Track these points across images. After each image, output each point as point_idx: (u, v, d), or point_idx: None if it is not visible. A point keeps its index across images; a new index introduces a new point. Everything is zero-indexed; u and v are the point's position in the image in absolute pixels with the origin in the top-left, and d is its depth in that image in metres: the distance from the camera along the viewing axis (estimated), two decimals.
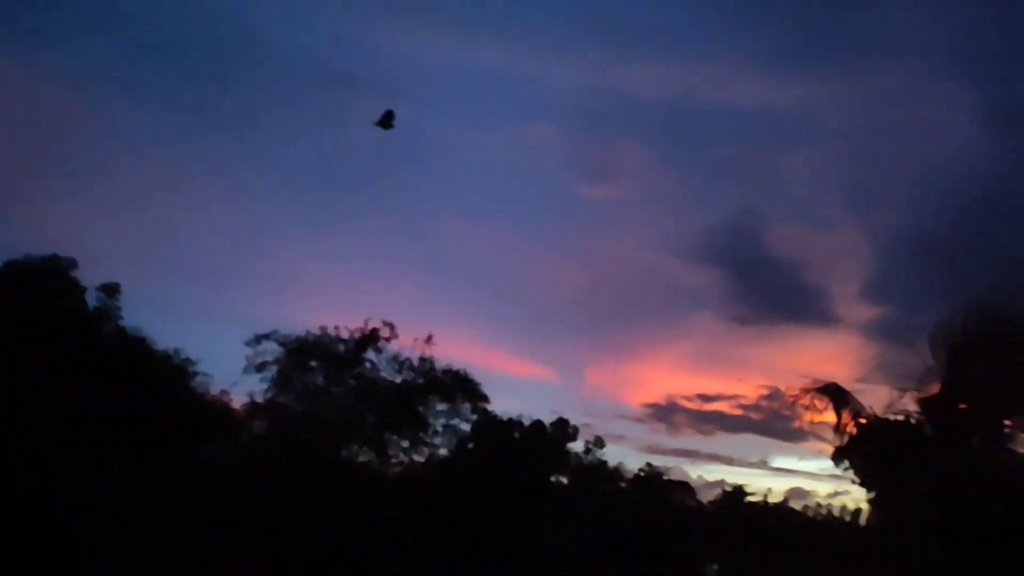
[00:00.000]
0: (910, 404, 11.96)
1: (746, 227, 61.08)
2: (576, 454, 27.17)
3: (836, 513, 26.83)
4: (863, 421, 12.20)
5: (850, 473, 13.40)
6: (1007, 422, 11.57)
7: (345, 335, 22.62)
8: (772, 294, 61.65)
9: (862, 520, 20.54)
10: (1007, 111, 50.55)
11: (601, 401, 65.98)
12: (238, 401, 21.35)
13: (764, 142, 70.42)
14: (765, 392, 48.52)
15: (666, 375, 64.86)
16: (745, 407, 49.95)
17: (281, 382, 21.75)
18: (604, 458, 27.57)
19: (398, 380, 23.37)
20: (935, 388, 11.61)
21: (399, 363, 23.38)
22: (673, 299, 73.38)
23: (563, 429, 26.69)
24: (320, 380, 22.42)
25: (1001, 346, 11.33)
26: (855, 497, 12.43)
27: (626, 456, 47.90)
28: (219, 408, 20.57)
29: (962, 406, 11.86)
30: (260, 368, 21.48)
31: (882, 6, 56.20)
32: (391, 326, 23.16)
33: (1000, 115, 51.21)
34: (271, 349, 21.77)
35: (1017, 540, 10.12)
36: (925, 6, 55.96)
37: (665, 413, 54.85)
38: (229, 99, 55.67)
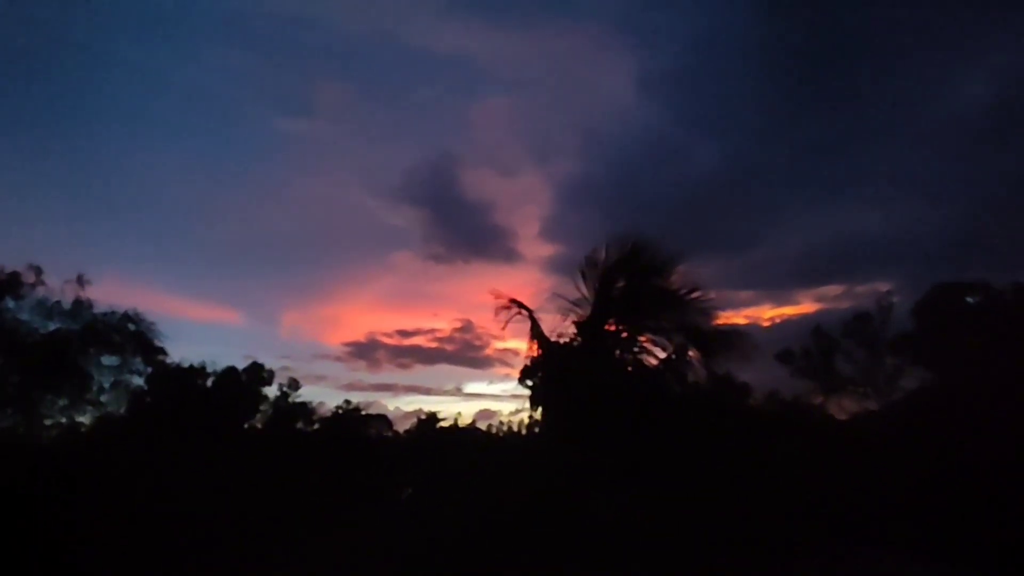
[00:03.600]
0: (571, 328, 14.36)
1: (443, 169, 65.69)
2: (271, 399, 27.17)
3: (515, 428, 30.93)
4: (547, 340, 14.22)
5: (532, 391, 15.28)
6: (641, 338, 14.28)
7: None
8: (465, 234, 67.89)
9: (535, 431, 24.27)
10: (657, 79, 62.32)
11: (299, 343, 66.24)
12: None
13: (459, 88, 75.31)
14: (459, 325, 53.83)
15: (365, 314, 67.58)
16: (440, 340, 54.76)
17: None
18: (301, 399, 28.00)
19: (49, 329, 20.65)
20: (588, 312, 14.17)
21: (47, 309, 20.60)
22: (372, 238, 75.73)
23: (257, 374, 26.37)
24: None
25: (636, 273, 13.81)
26: (532, 413, 14.86)
27: (327, 396, 48.96)
28: None
29: (610, 327, 14.34)
30: None
31: None
32: (38, 270, 20.22)
33: (651, 81, 62.93)
34: None
35: (640, 427, 13.56)
36: None
37: (365, 350, 57.22)
38: None
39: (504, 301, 14.22)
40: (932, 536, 16.15)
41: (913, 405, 23.30)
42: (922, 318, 24.66)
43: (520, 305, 14.23)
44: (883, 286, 33.19)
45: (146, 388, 22.87)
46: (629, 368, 14.39)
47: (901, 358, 25.68)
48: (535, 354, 14.50)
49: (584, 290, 14.10)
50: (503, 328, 14.32)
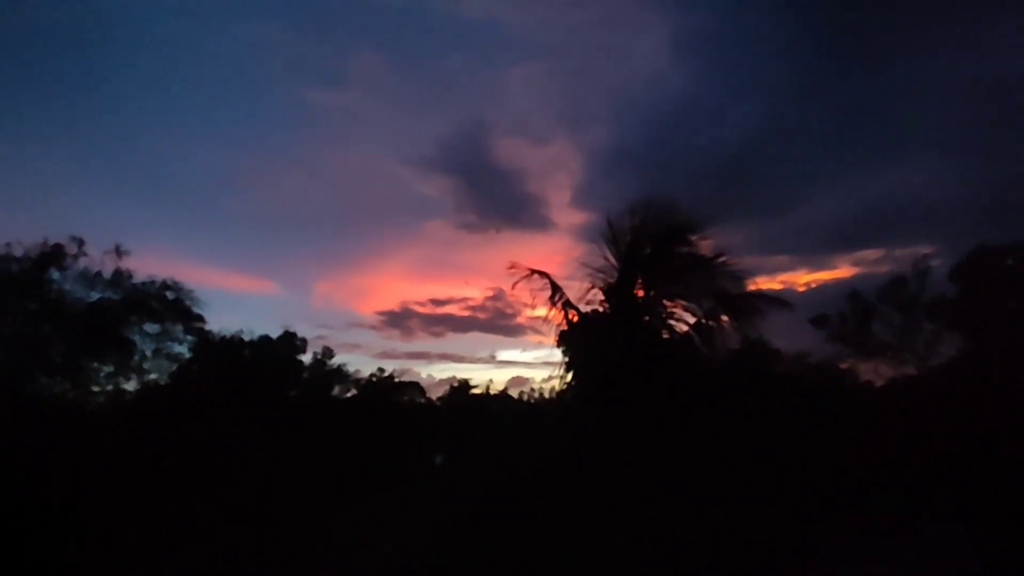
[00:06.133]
0: (599, 295, 14.34)
1: (474, 138, 65.98)
2: (306, 366, 27.93)
3: (546, 395, 31.28)
4: (572, 315, 14.15)
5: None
6: (669, 303, 14.09)
7: (20, 253, 19.89)
8: (497, 202, 68.31)
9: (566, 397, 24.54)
10: (690, 41, 61.26)
11: (333, 312, 67.81)
12: None
13: (489, 55, 75.01)
14: (491, 293, 54.39)
15: (398, 283, 68.80)
16: (473, 308, 55.42)
17: None
18: (335, 367, 28.74)
19: (92, 299, 21.54)
20: (615, 279, 14.00)
21: (89, 280, 21.46)
22: (405, 208, 76.61)
23: (290, 342, 27.13)
24: None
25: (662, 238, 13.73)
26: (564, 380, 15.00)
27: (362, 364, 50.22)
28: None
29: (638, 292, 14.19)
30: None
31: None
32: (80, 242, 21.01)
33: (684, 45, 61.90)
34: None
35: (672, 395, 13.73)
36: None
37: (398, 319, 58.45)
38: None
39: (523, 272, 14.40)
40: (971, 504, 16.25)
41: (951, 372, 23.12)
42: (960, 282, 24.27)
43: (542, 274, 14.39)
44: (924, 250, 32.61)
45: (191, 357, 23.76)
46: (658, 334, 14.44)
47: (939, 323, 25.39)
48: (560, 322, 14.55)
49: (609, 256, 14.16)
50: (532, 300, 14.51)
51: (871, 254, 48.53)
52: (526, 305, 14.72)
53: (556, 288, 14.24)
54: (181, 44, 64.12)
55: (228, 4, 64.57)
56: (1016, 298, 21.21)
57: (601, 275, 14.28)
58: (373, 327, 59.02)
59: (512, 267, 14.42)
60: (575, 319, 14.40)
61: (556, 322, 14.47)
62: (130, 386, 22.44)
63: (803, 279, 43.78)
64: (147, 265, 23.99)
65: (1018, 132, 50.39)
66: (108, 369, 21.64)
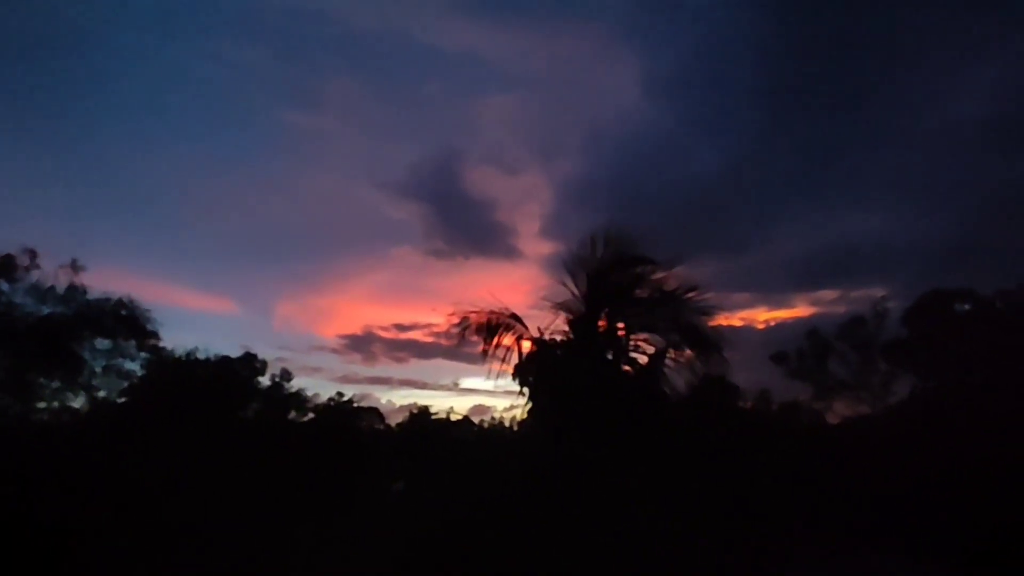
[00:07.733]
0: (563, 325, 14.12)
1: (446, 165, 66.39)
2: (264, 389, 27.33)
3: (508, 424, 31.28)
4: (530, 344, 14.08)
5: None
6: (632, 337, 14.00)
7: None
8: (466, 230, 68.47)
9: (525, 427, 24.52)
10: (661, 81, 63.01)
11: (295, 334, 66.50)
12: None
13: (465, 85, 75.91)
14: (456, 320, 53.50)
15: (363, 307, 68.09)
16: (437, 334, 54.65)
17: None
18: (293, 390, 28.17)
19: (42, 313, 20.85)
20: (580, 310, 13.82)
21: (41, 294, 20.80)
22: (372, 232, 76.34)
23: (250, 364, 26.55)
24: None
25: (627, 269, 13.68)
26: (525, 408, 14.96)
27: (322, 387, 49.23)
28: None
29: (602, 324, 14.05)
30: None
31: None
32: (32, 254, 20.42)
33: (654, 83, 63.65)
34: None
35: (634, 427, 13.74)
36: None
37: (361, 343, 57.60)
38: None
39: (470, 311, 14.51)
40: (920, 538, 16.54)
41: (904, 411, 23.67)
42: (912, 325, 25.02)
43: (492, 314, 14.47)
44: (878, 291, 33.56)
45: (144, 374, 23.09)
46: (621, 366, 14.43)
47: (893, 364, 26.03)
48: (522, 352, 14.52)
49: (572, 287, 14.18)
50: (491, 343, 14.53)
51: (828, 294, 49.99)
52: (484, 333, 14.71)
53: (496, 329, 14.31)
54: (155, 61, 63.48)
55: (205, 23, 64.13)
56: (967, 342, 21.88)
57: (565, 307, 14.28)
58: (335, 350, 58.14)
59: (452, 313, 14.65)
60: (532, 350, 14.37)
61: (517, 351, 14.45)
62: (77, 403, 21.69)
63: (763, 316, 44.59)
64: (106, 281, 23.41)
65: (971, 179, 52.74)
66: (55, 385, 20.85)
